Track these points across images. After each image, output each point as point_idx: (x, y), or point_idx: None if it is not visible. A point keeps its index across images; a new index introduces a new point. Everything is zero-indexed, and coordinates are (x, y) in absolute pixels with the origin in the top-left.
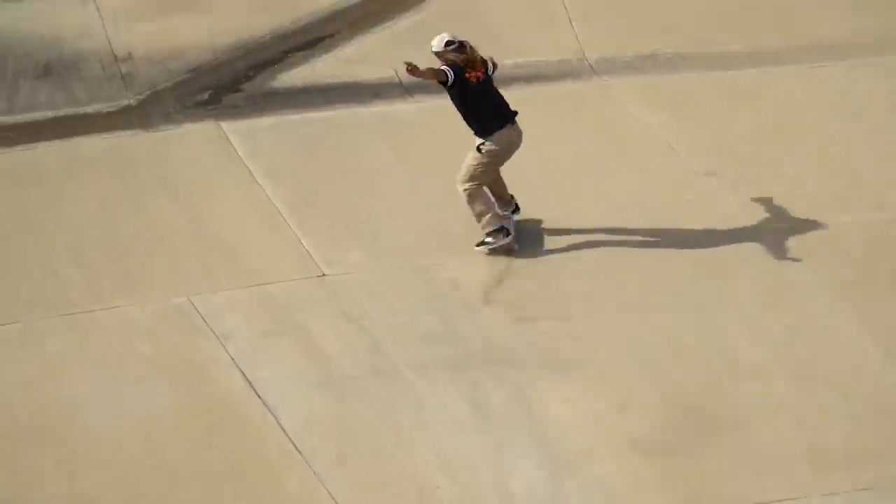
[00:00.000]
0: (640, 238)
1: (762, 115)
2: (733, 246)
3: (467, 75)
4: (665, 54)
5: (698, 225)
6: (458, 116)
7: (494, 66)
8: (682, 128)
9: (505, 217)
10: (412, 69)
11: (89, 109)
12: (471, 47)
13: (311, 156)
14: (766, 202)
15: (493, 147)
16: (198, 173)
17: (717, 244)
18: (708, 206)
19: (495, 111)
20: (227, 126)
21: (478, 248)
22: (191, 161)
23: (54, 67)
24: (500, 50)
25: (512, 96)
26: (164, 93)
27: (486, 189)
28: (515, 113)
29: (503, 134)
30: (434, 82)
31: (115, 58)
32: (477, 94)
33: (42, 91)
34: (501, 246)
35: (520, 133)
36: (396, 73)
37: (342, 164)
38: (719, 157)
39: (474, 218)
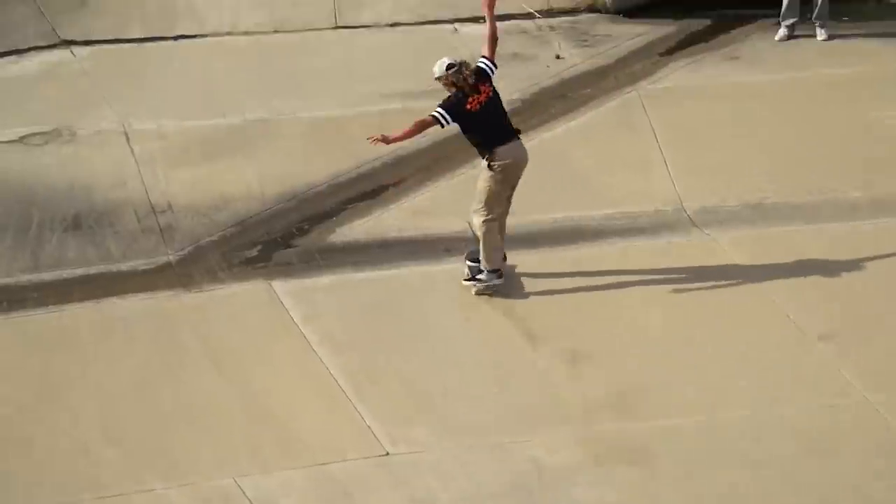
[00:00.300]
0: (741, 412)
1: (884, 271)
2: (848, 422)
3: (469, 105)
4: (773, 203)
5: (809, 399)
6: (539, 278)
7: (493, 63)
8: (792, 286)
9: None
10: (384, 139)
11: (124, 266)
12: (468, 67)
13: (373, 320)
14: (888, 373)
15: (501, 162)
16: (246, 339)
17: (831, 422)
18: (820, 376)
19: (499, 130)
20: (279, 286)
21: (466, 283)
22: (238, 325)
23: (84, 219)
24: (589, 198)
25: (601, 251)
26: (207, 248)
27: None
28: (518, 131)
29: (508, 149)
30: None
31: (153, 209)
32: (480, 119)
33: (71, 246)
34: (492, 286)
35: (524, 149)
36: (470, 225)
37: (409, 329)
38: (835, 319)
39: (481, 250)
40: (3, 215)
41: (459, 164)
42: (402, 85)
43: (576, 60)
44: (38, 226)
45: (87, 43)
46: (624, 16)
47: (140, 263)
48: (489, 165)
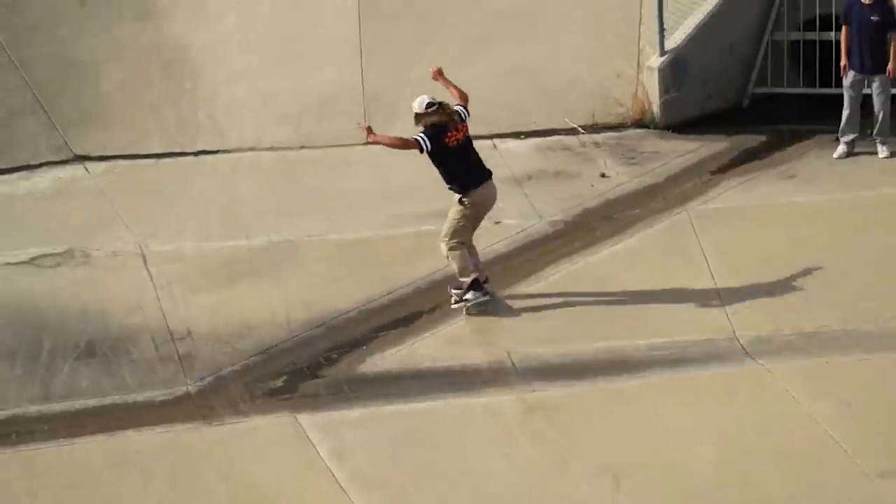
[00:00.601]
0: None
1: None
2: None
3: (447, 139)
4: (830, 332)
5: None
6: (582, 412)
7: (466, 110)
8: (851, 421)
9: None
10: (369, 131)
11: (140, 397)
12: (447, 107)
13: (406, 456)
14: None
15: (472, 200)
16: (270, 476)
17: None
18: None
19: (472, 170)
20: (306, 419)
21: (456, 306)
22: (262, 461)
23: (98, 346)
24: (635, 327)
25: (647, 382)
26: (229, 378)
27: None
28: (490, 172)
29: (480, 191)
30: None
31: (172, 335)
32: (455, 156)
33: (84, 374)
34: (479, 303)
35: (494, 188)
36: (509, 355)
37: (444, 465)
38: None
39: (456, 273)
40: (13, 341)
41: (497, 289)
42: (435, 205)
43: (622, 179)
44: (50, 353)
45: (101, 158)
46: (673, 131)
47: (157, 394)
48: (461, 201)
